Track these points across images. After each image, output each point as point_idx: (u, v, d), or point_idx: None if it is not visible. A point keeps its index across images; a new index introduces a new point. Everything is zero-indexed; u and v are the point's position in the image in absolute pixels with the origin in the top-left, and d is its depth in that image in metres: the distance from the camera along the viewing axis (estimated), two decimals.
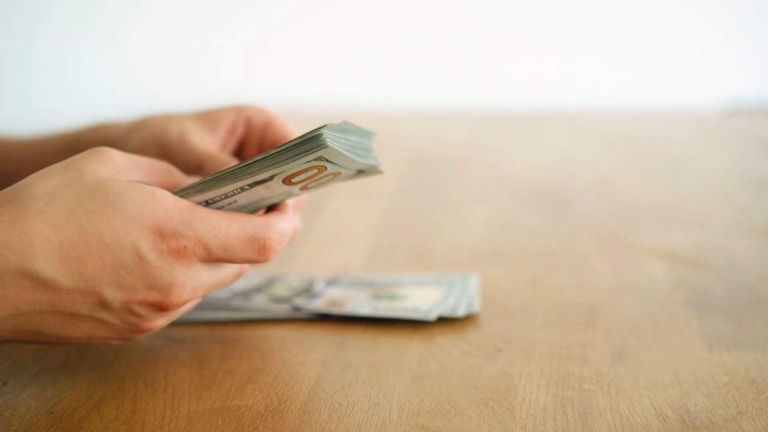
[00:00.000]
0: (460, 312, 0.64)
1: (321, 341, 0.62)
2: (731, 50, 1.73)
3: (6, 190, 0.50)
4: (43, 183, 0.50)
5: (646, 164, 1.17)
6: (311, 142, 0.49)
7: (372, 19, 1.80)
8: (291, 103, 1.66)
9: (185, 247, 0.50)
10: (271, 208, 0.56)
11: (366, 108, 1.65)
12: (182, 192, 0.52)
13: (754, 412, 0.52)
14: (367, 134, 0.54)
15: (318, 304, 0.66)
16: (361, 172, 0.55)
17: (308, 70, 1.79)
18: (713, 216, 0.91)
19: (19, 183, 0.51)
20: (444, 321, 0.64)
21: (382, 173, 0.56)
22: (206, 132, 0.65)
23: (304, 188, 0.54)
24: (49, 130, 0.74)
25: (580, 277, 0.75)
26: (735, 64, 1.74)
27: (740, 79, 1.73)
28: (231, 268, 0.55)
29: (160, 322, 0.53)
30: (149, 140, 0.64)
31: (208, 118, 0.66)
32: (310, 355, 0.60)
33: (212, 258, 0.52)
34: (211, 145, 0.64)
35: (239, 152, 0.67)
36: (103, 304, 0.50)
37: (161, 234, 0.50)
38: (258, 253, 0.53)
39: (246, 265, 0.57)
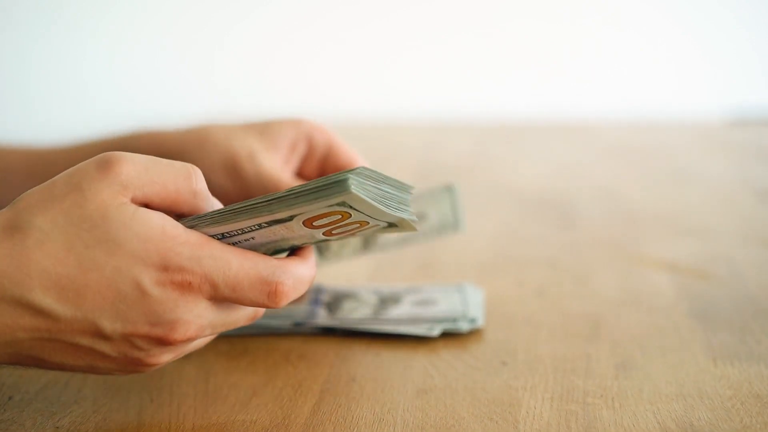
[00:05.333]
0: (464, 328, 0.64)
1: (325, 355, 0.62)
2: (735, 60, 1.74)
3: (7, 209, 0.48)
4: (44, 209, 0.47)
5: (649, 174, 1.17)
6: (334, 186, 0.46)
7: (378, 29, 1.81)
8: (298, 112, 1.66)
9: (190, 282, 0.48)
10: (295, 252, 0.53)
11: (372, 117, 1.65)
12: (196, 221, 0.50)
13: (758, 426, 0.52)
14: (404, 187, 0.50)
15: (321, 316, 0.66)
16: (393, 226, 0.52)
17: (315, 79, 1.79)
18: (716, 226, 0.91)
19: (21, 200, 0.48)
20: (448, 334, 0.64)
21: (416, 231, 0.52)
22: (271, 152, 0.63)
23: (328, 233, 0.51)
24: (85, 136, 0.72)
25: (584, 288, 0.75)
26: (738, 74, 1.74)
27: (744, 89, 1.73)
28: (243, 311, 0.52)
29: (166, 357, 0.51)
30: (217, 163, 0.62)
31: (268, 134, 0.64)
32: (315, 369, 0.60)
33: (219, 296, 0.49)
34: (285, 172, 0.62)
35: (300, 170, 0.66)
36: (103, 336, 0.48)
37: (166, 268, 0.47)
38: (268, 297, 0.50)
39: (261, 309, 0.53)
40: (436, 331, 0.64)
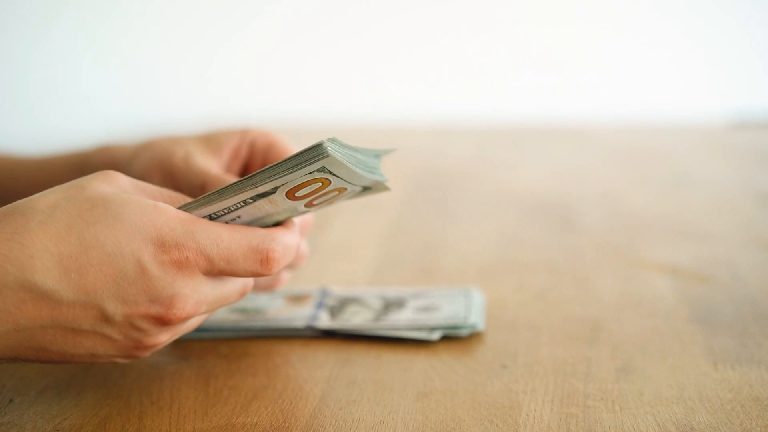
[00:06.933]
0: (464, 331, 0.64)
1: (326, 358, 0.62)
2: (736, 63, 1.74)
3: (7, 206, 0.50)
4: (45, 197, 0.50)
5: (650, 177, 1.17)
6: (312, 151, 0.49)
7: (378, 32, 1.81)
8: (297, 116, 1.67)
9: (187, 258, 0.50)
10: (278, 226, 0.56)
11: (372, 121, 1.65)
12: (185, 207, 0.52)
13: (759, 429, 0.52)
14: (374, 153, 0.53)
15: (323, 320, 0.66)
16: (367, 189, 0.55)
17: (314, 83, 1.79)
18: (717, 229, 0.91)
19: (21, 200, 0.50)
20: (449, 337, 0.64)
21: (389, 190, 0.55)
22: (211, 155, 0.65)
23: (309, 204, 0.54)
24: (54, 149, 0.74)
25: (584, 291, 0.75)
26: (740, 77, 1.74)
27: (745, 92, 1.73)
28: (235, 283, 0.54)
29: (164, 337, 0.52)
30: (154, 162, 0.64)
31: (212, 141, 0.66)
32: (315, 371, 0.60)
33: (214, 270, 0.51)
34: (214, 166, 0.64)
35: (243, 174, 0.67)
36: (105, 318, 0.49)
37: (163, 245, 0.49)
38: (261, 264, 0.52)
39: (251, 282, 0.56)
40: (435, 336, 0.64)
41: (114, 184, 0.51)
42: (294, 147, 0.67)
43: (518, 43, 1.79)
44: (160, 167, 0.64)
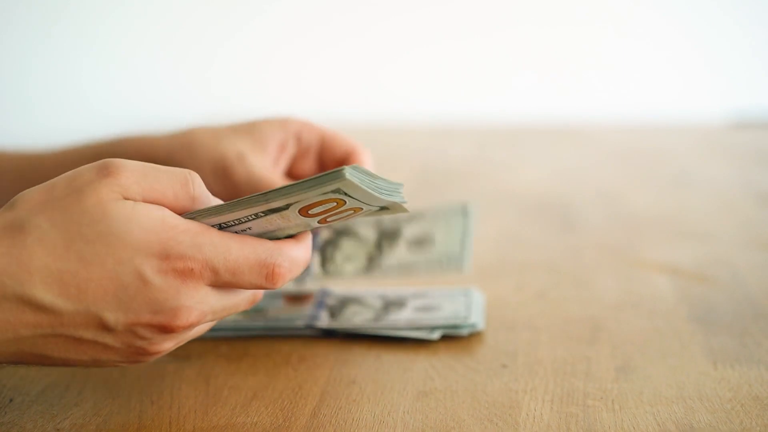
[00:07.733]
0: (464, 331, 0.65)
1: (326, 357, 0.62)
2: (737, 63, 1.74)
3: (6, 209, 0.49)
4: (43, 209, 0.48)
5: (650, 177, 1.17)
6: (330, 175, 0.48)
7: (379, 32, 1.81)
8: (296, 114, 1.67)
9: (192, 269, 0.49)
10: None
11: (373, 121, 1.65)
12: (194, 214, 0.51)
13: (758, 428, 0.52)
14: (395, 183, 0.52)
15: (324, 319, 0.66)
16: (384, 209, 0.53)
17: (315, 83, 1.79)
18: (717, 229, 0.92)
19: (20, 201, 0.49)
20: (449, 337, 0.65)
21: (407, 211, 0.53)
22: (260, 153, 0.63)
23: (323, 221, 0.52)
24: (74, 141, 0.72)
25: (584, 291, 0.75)
26: (740, 77, 1.74)
27: (745, 92, 1.73)
28: (243, 294, 0.53)
29: (168, 344, 0.51)
30: (206, 165, 0.62)
31: (256, 135, 0.64)
32: (315, 371, 0.60)
33: (220, 282, 0.50)
34: (271, 169, 0.62)
35: (291, 170, 0.66)
36: (106, 328, 0.49)
37: (167, 257, 0.48)
38: (266, 279, 0.51)
39: (260, 291, 0.55)
40: (435, 335, 0.64)
41: (114, 184, 0.48)
42: (348, 137, 0.66)
43: (518, 43, 1.79)
44: (213, 171, 0.62)
